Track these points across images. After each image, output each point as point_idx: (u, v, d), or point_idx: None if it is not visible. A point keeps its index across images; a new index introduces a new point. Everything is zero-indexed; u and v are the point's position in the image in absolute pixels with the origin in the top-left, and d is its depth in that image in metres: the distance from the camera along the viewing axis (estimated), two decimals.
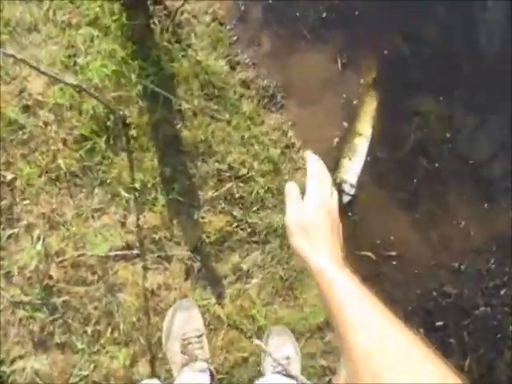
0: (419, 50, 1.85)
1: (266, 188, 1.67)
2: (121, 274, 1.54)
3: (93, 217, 1.54)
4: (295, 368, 1.54)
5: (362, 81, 1.82)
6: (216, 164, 1.63)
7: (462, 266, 1.80)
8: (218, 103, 1.67)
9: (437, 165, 1.83)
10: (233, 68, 1.73)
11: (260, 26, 1.79)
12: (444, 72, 1.85)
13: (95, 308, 1.51)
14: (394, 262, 1.77)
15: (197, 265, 1.57)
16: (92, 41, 1.59)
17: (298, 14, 1.81)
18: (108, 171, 1.55)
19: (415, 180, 1.83)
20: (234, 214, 1.62)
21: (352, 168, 1.73)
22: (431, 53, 1.86)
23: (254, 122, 1.70)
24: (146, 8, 1.62)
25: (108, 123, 1.54)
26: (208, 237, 1.59)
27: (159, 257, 1.57)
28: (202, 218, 1.60)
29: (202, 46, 1.70)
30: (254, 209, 1.65)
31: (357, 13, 1.81)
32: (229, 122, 1.66)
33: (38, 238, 1.49)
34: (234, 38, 1.77)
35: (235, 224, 1.62)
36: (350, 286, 0.49)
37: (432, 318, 1.79)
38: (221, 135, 1.65)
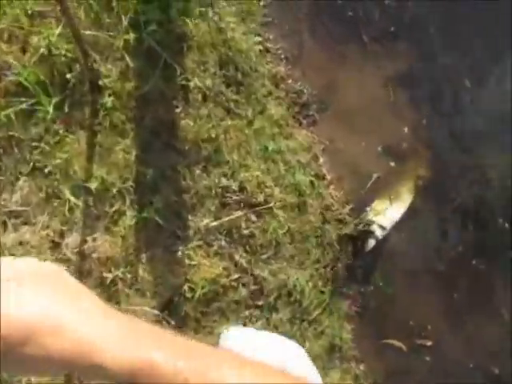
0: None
1: (286, 229, 1.15)
2: None
3: (5, 225, 0.89)
4: None
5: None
6: (223, 179, 1.10)
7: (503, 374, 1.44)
8: (239, 93, 1.15)
9: (489, 235, 1.49)
10: (262, 54, 1.22)
11: (306, 14, 1.34)
12: None
13: None
14: (427, 358, 1.36)
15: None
16: None
17: (360, 14, 1.38)
18: (50, 155, 0.93)
19: (461, 248, 1.46)
20: (237, 258, 1.10)
21: (388, 211, 1.32)
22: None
23: (282, 132, 1.20)
24: None
25: (68, 76, 0.95)
26: (191, 289, 1.05)
27: None
28: (189, 257, 1.03)
29: (230, 11, 1.18)
30: (265, 256, 1.12)
31: (431, 30, 1.42)
32: (250, 123, 1.13)
33: None
34: (269, 19, 1.29)
35: (235, 275, 1.10)
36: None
37: None
38: (237, 138, 1.12)
